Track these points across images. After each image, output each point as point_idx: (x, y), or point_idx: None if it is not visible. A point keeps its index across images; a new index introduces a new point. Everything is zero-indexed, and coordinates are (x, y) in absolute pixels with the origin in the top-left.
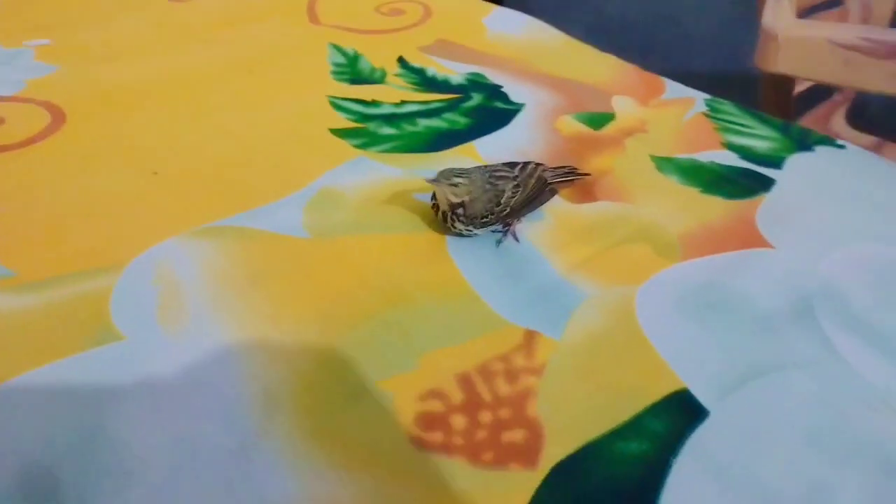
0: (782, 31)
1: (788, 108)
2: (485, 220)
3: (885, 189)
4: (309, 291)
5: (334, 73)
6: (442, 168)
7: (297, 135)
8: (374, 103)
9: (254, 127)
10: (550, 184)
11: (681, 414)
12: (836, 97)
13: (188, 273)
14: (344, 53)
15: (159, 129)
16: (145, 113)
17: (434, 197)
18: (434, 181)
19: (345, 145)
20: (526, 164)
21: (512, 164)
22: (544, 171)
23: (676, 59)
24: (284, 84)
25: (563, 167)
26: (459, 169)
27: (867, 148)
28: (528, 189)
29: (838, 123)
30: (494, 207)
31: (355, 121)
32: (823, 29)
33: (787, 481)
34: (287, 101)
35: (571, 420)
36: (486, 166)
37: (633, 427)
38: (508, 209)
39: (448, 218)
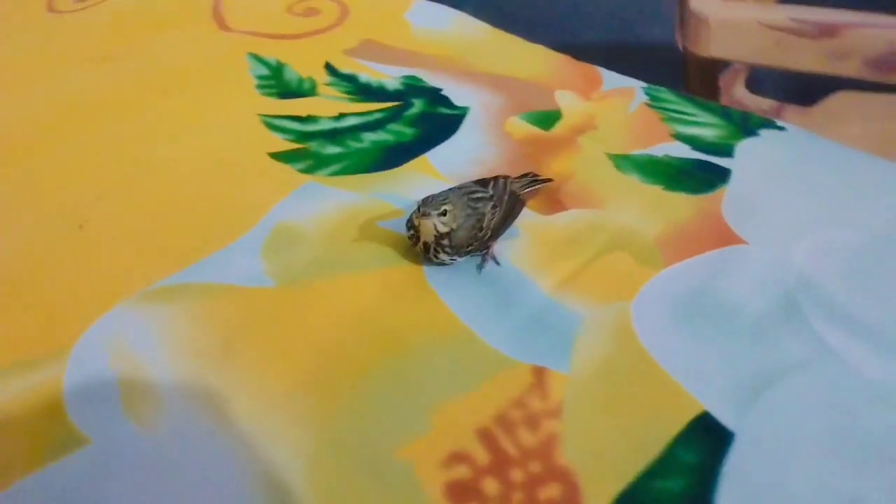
0: (713, 14)
1: (715, 89)
2: (470, 247)
3: (831, 171)
4: (291, 350)
5: (260, 87)
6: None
7: (233, 164)
8: (310, 119)
9: (182, 159)
10: (519, 196)
11: (708, 440)
12: (737, 65)
13: (148, 348)
14: (266, 64)
15: (72, 173)
16: (51, 154)
17: (412, 227)
18: (423, 217)
19: (288, 171)
20: (496, 179)
21: (483, 182)
22: (512, 182)
23: (569, 33)
24: (207, 104)
25: (526, 175)
26: (439, 196)
27: (768, 112)
28: (504, 206)
29: (739, 90)
30: (478, 233)
31: (294, 140)
32: (753, 11)
33: (823, 497)
34: (214, 124)
35: (602, 463)
36: (459, 188)
37: (666, 463)
38: (489, 232)
39: (431, 249)
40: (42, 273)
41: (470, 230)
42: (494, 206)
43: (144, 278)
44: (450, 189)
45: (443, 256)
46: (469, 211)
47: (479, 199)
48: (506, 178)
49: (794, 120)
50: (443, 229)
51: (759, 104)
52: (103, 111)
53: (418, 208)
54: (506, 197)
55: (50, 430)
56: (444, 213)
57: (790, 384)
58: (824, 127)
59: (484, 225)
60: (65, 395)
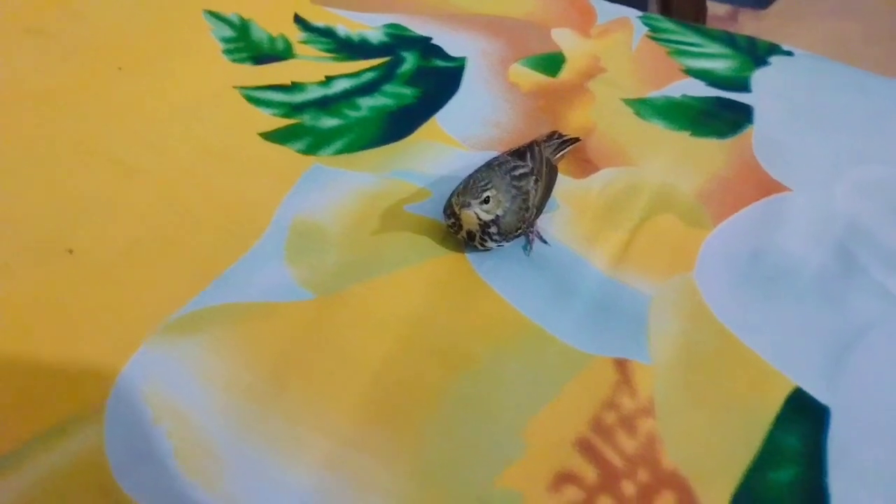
0: None
1: (702, 9)
2: (518, 230)
3: (850, 99)
4: (350, 377)
5: (228, 52)
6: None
7: (222, 152)
8: (296, 86)
9: (164, 154)
10: (552, 162)
11: (806, 420)
12: None
13: (191, 393)
14: (228, 23)
15: (41, 185)
16: (5, 163)
17: (451, 215)
18: (463, 207)
19: (287, 153)
20: (531, 148)
21: (519, 153)
22: (544, 147)
23: None
24: (172, 81)
25: (552, 135)
26: (480, 179)
27: (723, 17)
28: (544, 178)
29: None
30: (525, 214)
31: (283, 115)
32: None
33: None
34: (188, 105)
35: (709, 462)
36: (498, 164)
37: (771, 452)
38: (535, 210)
39: (477, 238)
40: (40, 314)
41: (517, 212)
42: (536, 179)
43: (162, 306)
44: (488, 166)
45: (490, 244)
46: (514, 192)
47: (521, 175)
48: (538, 143)
49: (749, 23)
50: (487, 217)
51: (716, 10)
52: (52, 99)
53: (457, 195)
54: (544, 167)
55: None
56: (486, 201)
57: (870, 345)
58: (779, 28)
59: (530, 204)
60: (110, 462)
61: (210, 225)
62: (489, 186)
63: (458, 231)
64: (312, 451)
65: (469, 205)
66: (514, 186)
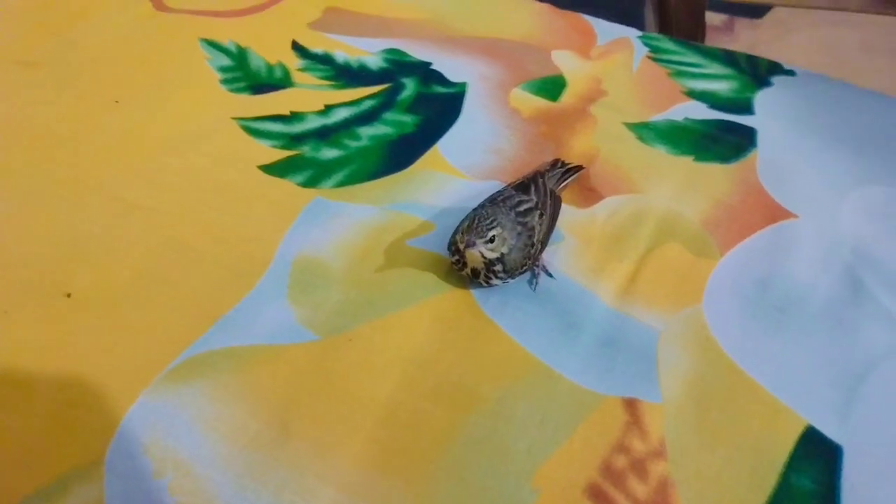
0: None
1: (701, 22)
2: (524, 267)
3: (854, 119)
4: (357, 423)
5: (225, 82)
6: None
7: (222, 186)
8: (294, 116)
9: (163, 191)
10: (556, 193)
11: (819, 460)
12: None
13: (193, 444)
14: (225, 51)
15: (37, 224)
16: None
17: (456, 251)
18: (468, 247)
19: (288, 186)
20: (534, 179)
21: (523, 187)
22: (548, 178)
23: None
24: (169, 113)
25: (555, 164)
26: (485, 218)
27: (720, 27)
28: (548, 212)
29: None
30: (530, 250)
31: (283, 147)
32: None
33: None
34: (186, 139)
35: None
36: (501, 200)
37: (784, 494)
38: (540, 245)
39: (482, 275)
40: (37, 359)
41: (523, 249)
42: (541, 213)
43: (163, 352)
44: (493, 202)
45: (495, 281)
46: (519, 229)
47: (525, 211)
48: (542, 174)
49: (745, 32)
50: (492, 255)
51: (712, 19)
52: (48, 134)
53: (461, 233)
54: (548, 200)
55: None
56: (491, 240)
57: (881, 377)
58: (775, 37)
59: (535, 240)
60: None
61: (211, 263)
62: (494, 225)
63: (462, 268)
64: (319, 501)
65: (474, 244)
66: (520, 223)
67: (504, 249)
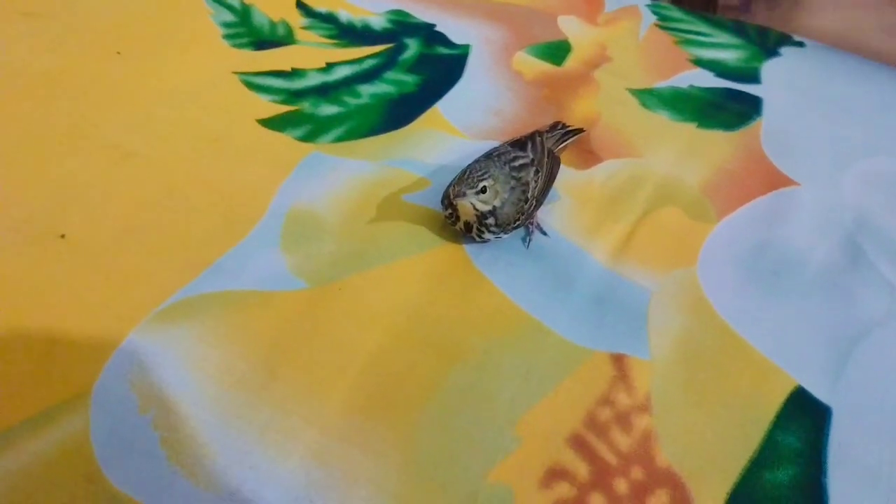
0: None
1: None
2: (517, 222)
3: (862, 91)
4: (343, 368)
5: (228, 37)
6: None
7: (220, 138)
8: (296, 73)
9: (161, 140)
10: (555, 154)
11: (806, 419)
12: None
13: (179, 382)
14: (229, 7)
15: (34, 167)
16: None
17: (449, 205)
18: (458, 197)
19: (286, 140)
20: (532, 138)
21: (520, 144)
22: (547, 138)
23: None
24: (171, 65)
25: (556, 126)
26: (477, 170)
27: (737, 6)
28: (545, 170)
29: None
30: (524, 205)
31: (283, 102)
32: None
33: None
34: (185, 90)
35: (706, 460)
36: (497, 154)
37: (770, 451)
38: (534, 201)
39: (474, 229)
40: (30, 297)
41: (516, 204)
42: (537, 170)
43: (153, 294)
44: (487, 157)
45: (487, 235)
46: (513, 183)
47: (521, 166)
48: (540, 134)
49: (762, 13)
50: (483, 208)
51: None
52: (49, 83)
53: (454, 185)
54: (546, 158)
55: (90, 496)
56: (483, 191)
57: (874, 343)
58: (792, 18)
59: (529, 196)
60: (95, 450)
61: (205, 212)
62: (486, 177)
63: (455, 222)
64: (302, 442)
65: (464, 195)
66: (514, 177)
67: (496, 202)
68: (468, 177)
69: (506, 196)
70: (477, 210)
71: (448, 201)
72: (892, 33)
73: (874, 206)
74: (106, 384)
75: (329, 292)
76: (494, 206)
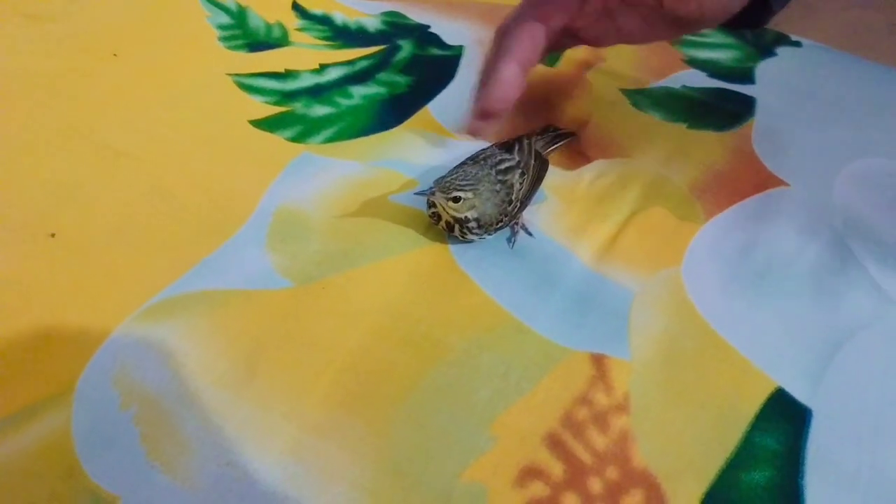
0: None
1: None
2: (500, 223)
3: (856, 91)
4: (325, 366)
5: (224, 39)
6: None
7: (212, 139)
8: (289, 74)
9: (154, 140)
10: (543, 156)
11: (786, 421)
12: None
13: (161, 379)
14: (225, 10)
15: (27, 167)
16: None
17: (431, 204)
18: (429, 194)
19: (277, 141)
20: (519, 140)
21: (507, 146)
22: (536, 141)
23: None
24: (166, 67)
25: (546, 129)
26: (462, 179)
27: None
28: (531, 172)
29: None
30: (507, 207)
31: (275, 103)
32: None
33: None
34: (180, 91)
35: (682, 461)
36: (484, 158)
37: (747, 452)
38: (519, 203)
39: (456, 230)
40: (18, 294)
41: (499, 205)
42: (522, 173)
43: (139, 292)
44: (474, 160)
45: (471, 236)
46: (498, 186)
47: (506, 169)
48: (529, 137)
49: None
50: (458, 215)
51: None
52: (46, 84)
53: (433, 183)
54: (532, 161)
55: (69, 491)
56: (455, 200)
57: (858, 346)
58: (801, 18)
59: (513, 197)
60: (76, 447)
61: (194, 211)
62: (467, 189)
63: (437, 221)
64: (280, 438)
65: (433, 194)
66: (499, 181)
67: (470, 214)
68: (449, 182)
69: (486, 199)
70: (452, 215)
71: (431, 201)
72: None
73: (864, 207)
74: (89, 381)
75: (312, 291)
76: (475, 206)
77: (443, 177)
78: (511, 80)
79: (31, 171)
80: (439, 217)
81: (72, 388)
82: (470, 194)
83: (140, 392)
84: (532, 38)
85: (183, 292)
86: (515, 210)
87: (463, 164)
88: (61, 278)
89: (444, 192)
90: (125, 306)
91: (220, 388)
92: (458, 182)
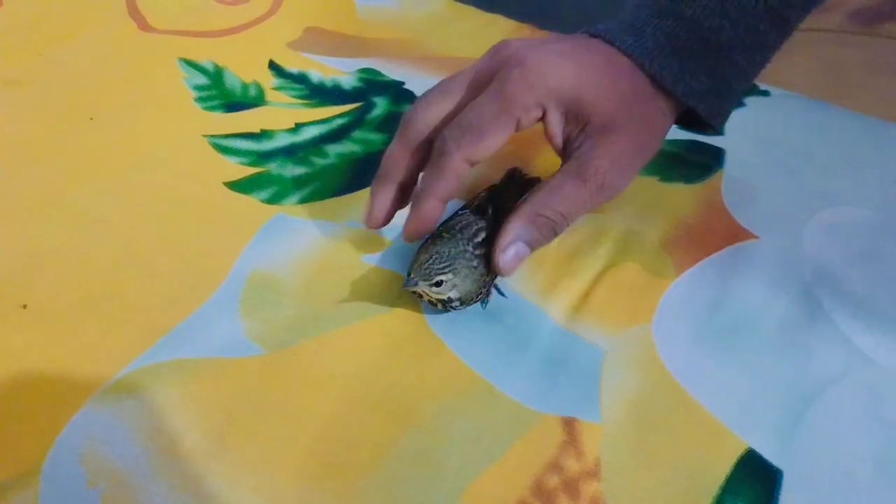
0: None
1: None
2: (479, 296)
3: (826, 140)
4: (296, 435)
5: (200, 100)
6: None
7: (186, 201)
8: (264, 134)
9: (127, 205)
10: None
11: (756, 482)
12: None
13: (129, 454)
14: (202, 70)
15: (1, 237)
16: None
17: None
18: (408, 286)
19: (251, 203)
20: (491, 198)
21: (479, 209)
22: (505, 198)
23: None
24: (142, 130)
25: (511, 176)
26: (438, 261)
27: None
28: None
29: None
30: (486, 279)
31: (250, 164)
32: None
33: None
34: (155, 155)
35: None
36: (459, 229)
37: None
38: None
39: (439, 306)
40: None
41: (478, 280)
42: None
43: (111, 363)
44: (452, 235)
45: (450, 308)
46: (475, 262)
47: (483, 241)
48: (499, 193)
49: None
50: (440, 297)
51: None
52: (23, 150)
53: (411, 268)
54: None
55: None
56: (437, 284)
57: (828, 402)
58: (778, 56)
59: (490, 268)
60: None
61: (168, 277)
62: (447, 270)
63: (420, 298)
64: None
65: (416, 284)
66: (476, 256)
67: (452, 294)
68: (427, 267)
69: (465, 286)
70: (432, 297)
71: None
72: (877, 72)
73: (833, 257)
74: (56, 458)
75: (284, 357)
76: (455, 286)
77: (417, 258)
78: (431, 212)
79: (3, 239)
80: (421, 296)
81: (39, 467)
82: (450, 275)
83: (108, 469)
84: (457, 176)
85: (156, 362)
86: (493, 278)
87: (438, 237)
88: (32, 351)
89: (426, 281)
90: (96, 379)
91: (189, 461)
92: (436, 266)
